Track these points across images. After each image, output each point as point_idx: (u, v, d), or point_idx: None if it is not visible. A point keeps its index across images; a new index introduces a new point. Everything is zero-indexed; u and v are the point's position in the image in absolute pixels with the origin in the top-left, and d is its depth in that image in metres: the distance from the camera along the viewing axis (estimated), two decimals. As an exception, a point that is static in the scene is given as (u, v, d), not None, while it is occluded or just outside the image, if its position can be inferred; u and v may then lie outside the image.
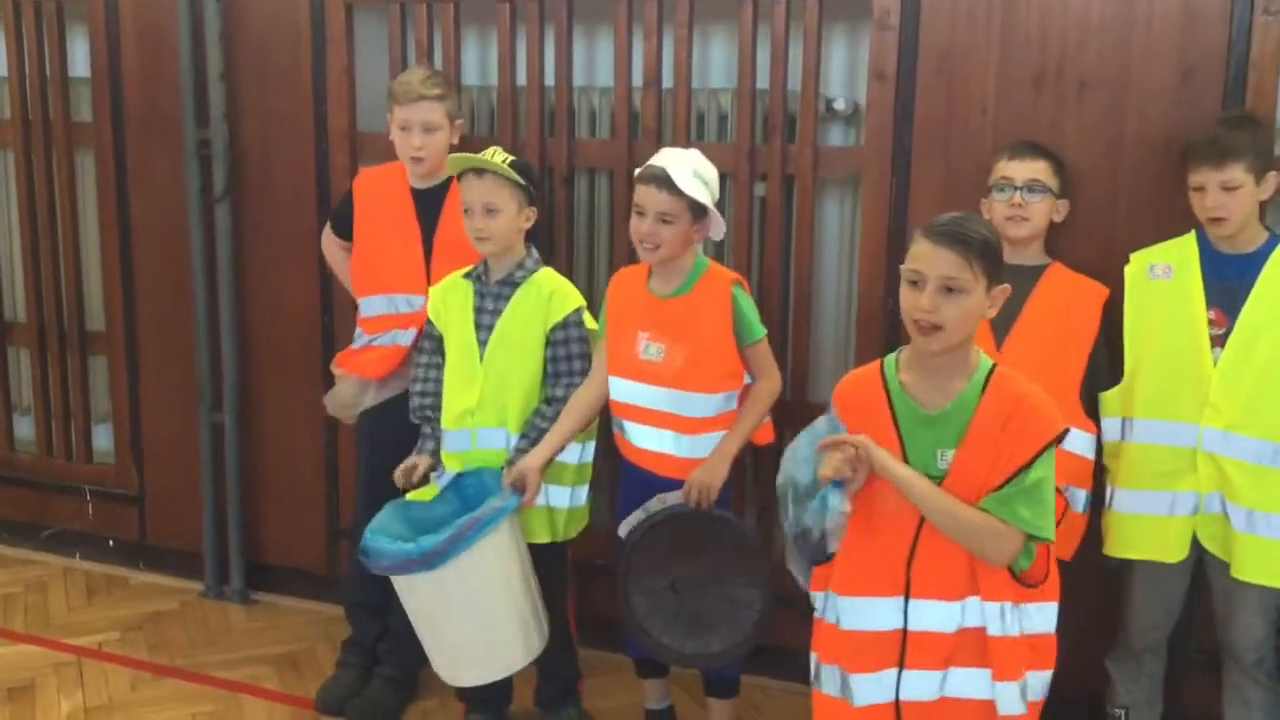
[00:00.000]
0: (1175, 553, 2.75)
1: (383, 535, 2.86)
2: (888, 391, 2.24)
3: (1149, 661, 2.92)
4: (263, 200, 3.91)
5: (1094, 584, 2.89)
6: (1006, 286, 2.20)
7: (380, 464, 3.45)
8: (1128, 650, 2.92)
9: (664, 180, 2.81)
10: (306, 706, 3.48)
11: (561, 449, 2.97)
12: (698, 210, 2.85)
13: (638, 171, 2.92)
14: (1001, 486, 2.14)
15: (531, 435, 3.00)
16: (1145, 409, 2.76)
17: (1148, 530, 2.77)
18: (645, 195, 2.84)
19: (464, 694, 3.32)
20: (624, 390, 2.94)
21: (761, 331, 2.92)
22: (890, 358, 2.30)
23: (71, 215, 4.27)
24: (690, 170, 2.83)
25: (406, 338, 3.35)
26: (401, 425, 3.30)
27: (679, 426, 2.89)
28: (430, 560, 2.76)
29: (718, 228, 2.90)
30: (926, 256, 2.14)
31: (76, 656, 3.75)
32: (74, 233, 4.28)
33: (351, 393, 3.49)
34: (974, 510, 2.14)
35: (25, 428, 4.54)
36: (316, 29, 3.73)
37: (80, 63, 4.18)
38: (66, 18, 4.15)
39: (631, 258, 3.56)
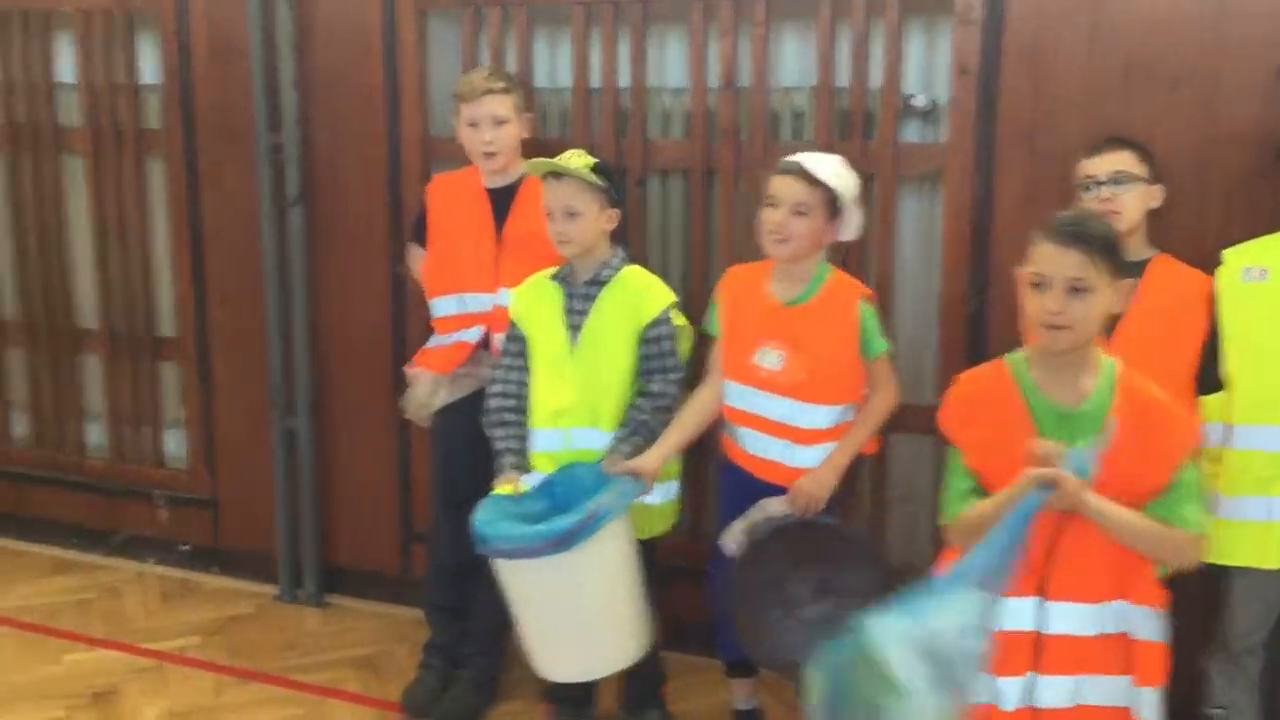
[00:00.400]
0: (1276, 558, 2.73)
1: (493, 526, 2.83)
2: (1021, 389, 2.23)
3: (1248, 662, 2.89)
4: (334, 205, 3.93)
5: (1186, 583, 2.86)
6: (1132, 281, 2.21)
7: (455, 463, 3.48)
8: (1226, 652, 2.90)
9: (802, 172, 2.81)
10: (391, 709, 3.49)
11: (679, 450, 2.96)
12: (831, 211, 2.84)
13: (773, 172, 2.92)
14: (1162, 492, 2.15)
15: (630, 427, 2.98)
16: (1244, 414, 2.73)
17: (1248, 536, 2.74)
18: (780, 185, 2.83)
19: (549, 696, 3.33)
20: (738, 396, 2.94)
21: (885, 346, 2.91)
22: (1015, 356, 2.29)
23: (141, 222, 4.29)
24: (831, 168, 2.84)
25: (473, 335, 3.36)
26: (476, 424, 3.31)
27: (794, 437, 2.88)
28: (566, 540, 2.70)
29: (852, 228, 2.90)
30: (1051, 258, 2.14)
31: (158, 661, 3.77)
32: (144, 239, 4.31)
33: (425, 391, 3.49)
34: (1153, 521, 2.15)
35: (96, 434, 4.57)
36: (389, 34, 3.74)
37: (148, 70, 4.21)
38: (135, 26, 4.17)
39: (703, 260, 3.58)
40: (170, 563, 4.42)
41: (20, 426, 4.66)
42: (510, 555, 2.79)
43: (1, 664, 3.72)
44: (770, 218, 2.84)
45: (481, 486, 3.37)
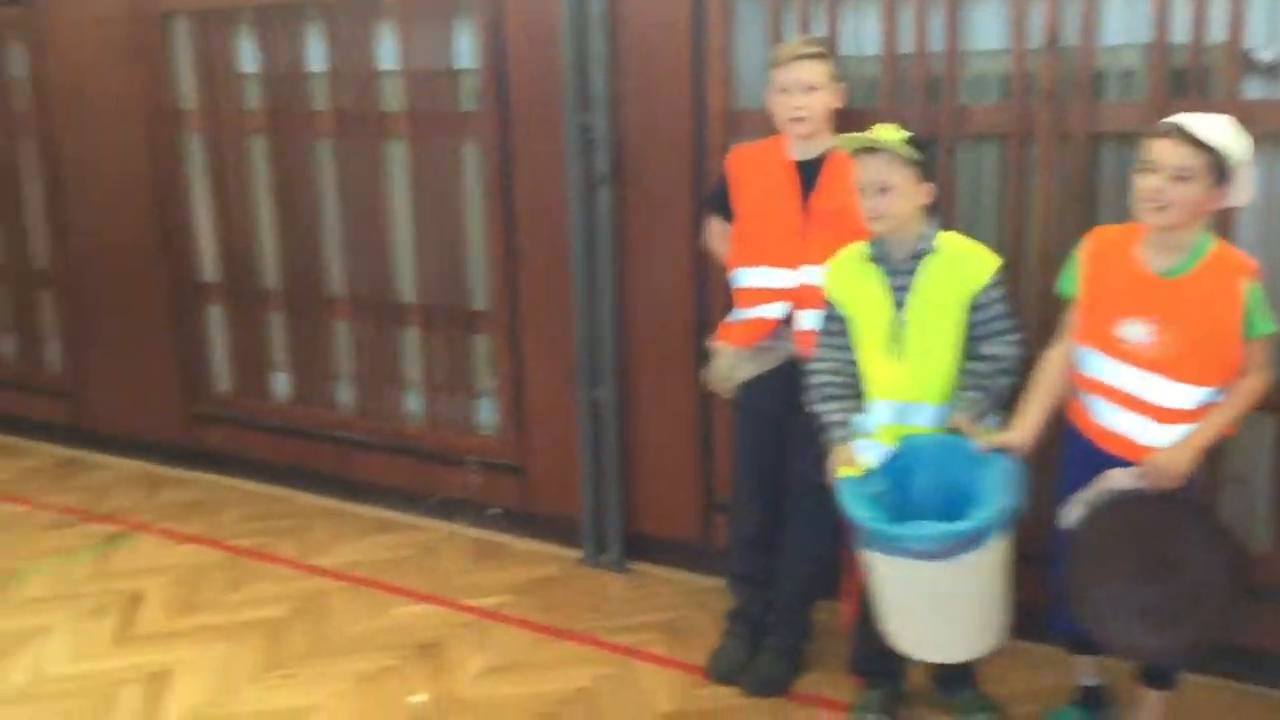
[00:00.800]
0: None
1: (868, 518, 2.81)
2: None
3: None
4: (641, 182, 4.00)
5: None
6: None
7: (759, 436, 3.50)
8: None
9: (1182, 134, 2.65)
10: (696, 674, 3.56)
11: (1044, 421, 2.87)
12: (1218, 176, 2.67)
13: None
14: None
15: (970, 389, 2.91)
16: None
17: None
18: (1159, 149, 2.68)
19: (858, 669, 3.32)
20: (1094, 364, 2.83)
21: (1270, 327, 2.73)
22: None
23: (456, 201, 4.51)
24: (1217, 129, 2.67)
25: (775, 310, 3.34)
26: (780, 398, 3.32)
27: (1152, 413, 2.75)
28: (978, 540, 2.67)
29: (1242, 194, 2.72)
30: None
31: (476, 617, 3.97)
32: (459, 218, 4.52)
33: (726, 364, 3.52)
34: None
35: (414, 402, 4.84)
36: (696, 10, 3.78)
37: (464, 55, 4.39)
38: (453, 13, 4.36)
39: (1018, 228, 3.46)
40: (480, 524, 4.64)
41: (345, 394, 4.99)
42: (934, 557, 2.70)
43: (337, 615, 4.01)
44: (1147, 184, 2.67)
45: (785, 460, 3.42)
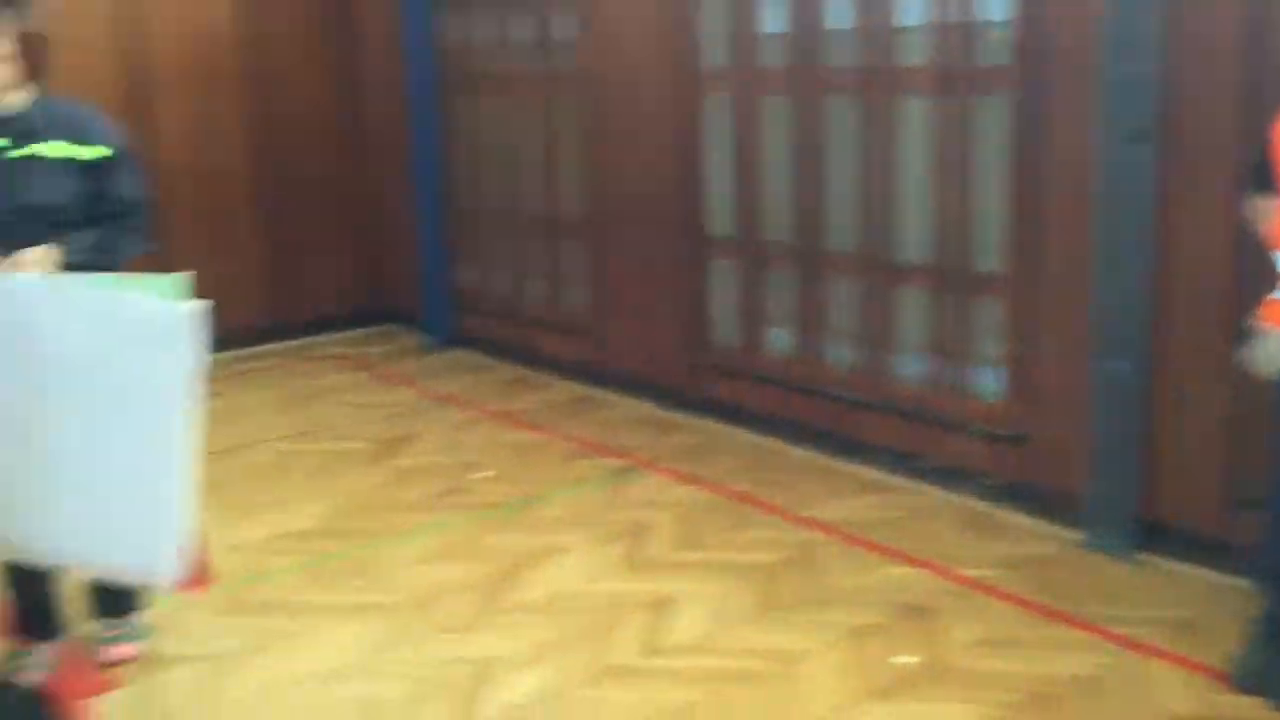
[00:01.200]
0: None
1: None
2: None
3: None
4: (1183, 139, 3.68)
5: None
6: None
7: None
8: None
9: None
10: (1214, 678, 3.27)
11: None
12: None
13: None
14: None
15: None
16: None
17: None
18: None
19: None
20: None
21: None
22: None
23: (973, 158, 4.37)
24: None
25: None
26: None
27: None
28: None
29: None
30: None
31: (965, 587, 3.87)
32: (974, 175, 4.38)
33: (1273, 347, 3.16)
34: None
35: (911, 363, 4.77)
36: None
37: (994, 6, 4.24)
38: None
39: None
40: (974, 493, 4.51)
41: (842, 352, 5.02)
42: None
43: (827, 568, 4.05)
44: None
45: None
